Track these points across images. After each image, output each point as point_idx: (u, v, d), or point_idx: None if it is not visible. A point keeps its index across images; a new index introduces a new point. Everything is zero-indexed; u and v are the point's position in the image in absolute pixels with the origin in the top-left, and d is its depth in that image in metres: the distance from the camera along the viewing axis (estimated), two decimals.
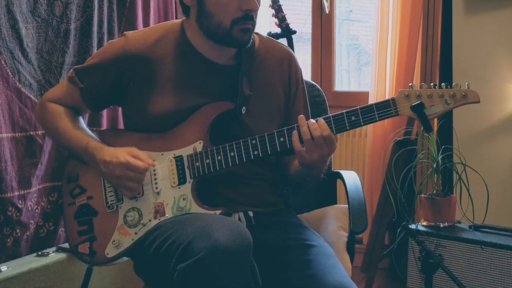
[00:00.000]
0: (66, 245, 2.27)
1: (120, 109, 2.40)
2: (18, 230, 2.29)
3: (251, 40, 1.73)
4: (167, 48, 1.76)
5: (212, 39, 1.72)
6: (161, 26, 1.83)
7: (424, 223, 2.63)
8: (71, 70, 1.85)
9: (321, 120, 1.63)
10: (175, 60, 1.75)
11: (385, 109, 1.62)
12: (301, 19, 3.76)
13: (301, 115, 1.65)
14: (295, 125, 1.65)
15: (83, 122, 1.86)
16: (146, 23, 2.87)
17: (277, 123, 1.81)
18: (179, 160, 1.71)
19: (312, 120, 1.63)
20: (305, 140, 1.62)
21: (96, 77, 1.79)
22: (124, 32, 1.80)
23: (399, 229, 2.60)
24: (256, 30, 1.80)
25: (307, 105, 1.90)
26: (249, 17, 1.68)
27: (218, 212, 1.67)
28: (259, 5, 1.70)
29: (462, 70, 2.97)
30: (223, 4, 1.66)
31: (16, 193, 2.28)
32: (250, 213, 1.75)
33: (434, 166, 2.63)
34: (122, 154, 1.69)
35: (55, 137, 1.85)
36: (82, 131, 1.80)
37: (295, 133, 1.63)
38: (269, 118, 1.81)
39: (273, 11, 2.91)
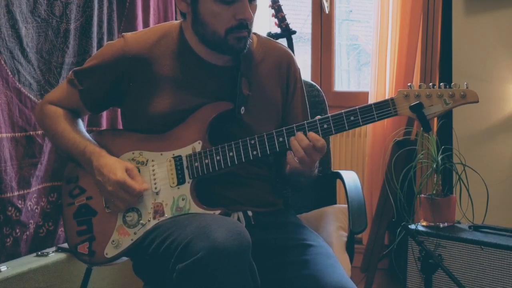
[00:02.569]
0: (66, 245, 2.26)
1: (119, 110, 2.39)
2: (17, 230, 2.29)
3: (247, 47, 1.72)
4: (166, 49, 1.76)
5: (207, 45, 1.72)
6: (160, 27, 1.84)
7: (424, 223, 2.63)
8: (70, 72, 1.85)
9: (311, 134, 1.63)
10: (174, 61, 1.76)
11: (384, 109, 1.62)
12: (301, 19, 3.76)
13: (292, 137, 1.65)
14: (294, 125, 1.65)
15: (82, 125, 1.86)
16: (146, 23, 2.87)
17: (275, 123, 1.81)
18: (178, 160, 1.71)
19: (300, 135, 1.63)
20: (295, 151, 1.63)
21: (95, 78, 1.79)
22: (123, 34, 1.80)
23: (399, 229, 2.60)
24: (255, 30, 1.80)
25: (306, 105, 1.91)
26: (243, 25, 1.67)
27: (217, 212, 1.67)
28: (254, 15, 1.69)
29: (462, 70, 2.97)
30: (216, 14, 1.66)
31: (16, 193, 2.28)
32: (249, 213, 1.75)
33: (434, 166, 2.63)
34: (120, 170, 1.68)
35: (54, 140, 1.84)
36: (80, 134, 1.80)
37: (290, 153, 1.65)
38: (268, 118, 1.81)
39: (273, 11, 2.91)
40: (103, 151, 1.74)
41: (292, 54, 1.90)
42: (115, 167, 1.68)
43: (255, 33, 1.83)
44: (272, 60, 1.84)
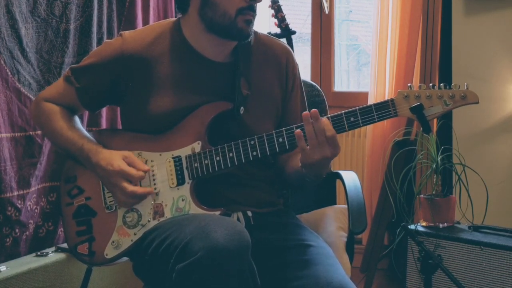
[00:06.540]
0: (65, 245, 2.26)
1: (118, 109, 2.39)
2: (17, 230, 2.29)
3: (252, 34, 1.73)
4: (165, 47, 1.75)
5: (214, 31, 1.71)
6: (158, 25, 1.83)
7: (424, 224, 2.63)
8: (67, 69, 1.83)
9: (325, 119, 1.59)
10: (172, 59, 1.75)
11: (384, 110, 1.61)
12: (300, 19, 3.76)
13: (306, 112, 1.60)
14: (294, 125, 1.65)
15: (79, 122, 1.85)
16: (145, 23, 2.87)
17: (274, 120, 1.82)
18: (177, 161, 1.71)
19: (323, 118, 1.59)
20: (309, 138, 1.59)
21: (93, 77, 1.78)
22: (121, 32, 1.79)
23: (399, 230, 2.60)
24: (254, 29, 1.80)
25: (305, 102, 1.90)
26: (253, 8, 1.69)
27: (217, 212, 1.67)
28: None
29: (462, 71, 2.97)
30: None
31: (15, 193, 2.28)
32: (249, 214, 1.75)
33: (434, 166, 2.63)
34: (117, 160, 1.68)
35: (51, 138, 1.84)
36: (77, 131, 1.79)
37: (298, 131, 1.60)
38: (267, 117, 1.81)
39: (272, 11, 2.91)
40: (100, 147, 1.73)
41: (291, 50, 1.90)
42: (111, 157, 1.69)
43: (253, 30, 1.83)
44: (271, 56, 1.84)
